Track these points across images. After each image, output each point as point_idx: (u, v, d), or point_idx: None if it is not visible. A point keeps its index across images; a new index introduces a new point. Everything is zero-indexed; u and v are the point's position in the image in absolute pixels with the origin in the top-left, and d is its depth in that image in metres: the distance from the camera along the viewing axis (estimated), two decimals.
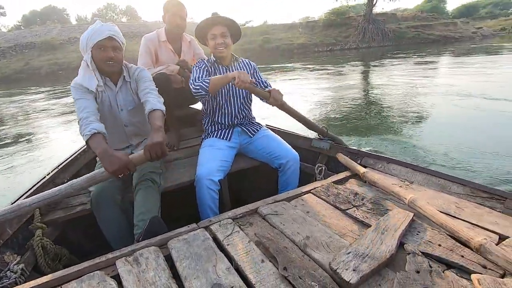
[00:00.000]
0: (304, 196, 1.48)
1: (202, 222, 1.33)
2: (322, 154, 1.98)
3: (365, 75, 10.50)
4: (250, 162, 1.95)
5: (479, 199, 1.30)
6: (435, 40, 25.15)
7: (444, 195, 1.36)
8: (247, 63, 1.99)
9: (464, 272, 0.92)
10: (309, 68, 13.44)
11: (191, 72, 2.31)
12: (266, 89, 1.81)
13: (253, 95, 1.92)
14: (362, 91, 7.40)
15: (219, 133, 1.91)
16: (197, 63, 1.92)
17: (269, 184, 1.92)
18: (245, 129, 1.94)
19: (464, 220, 1.17)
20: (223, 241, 1.17)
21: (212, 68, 1.89)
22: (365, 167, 1.67)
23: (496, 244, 1.01)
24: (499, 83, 6.59)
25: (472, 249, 0.98)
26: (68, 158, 2.02)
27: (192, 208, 1.69)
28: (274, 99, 1.73)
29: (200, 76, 1.81)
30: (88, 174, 1.33)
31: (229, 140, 1.88)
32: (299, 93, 7.58)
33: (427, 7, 46.28)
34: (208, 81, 1.72)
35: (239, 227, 1.27)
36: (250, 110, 2.03)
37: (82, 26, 28.25)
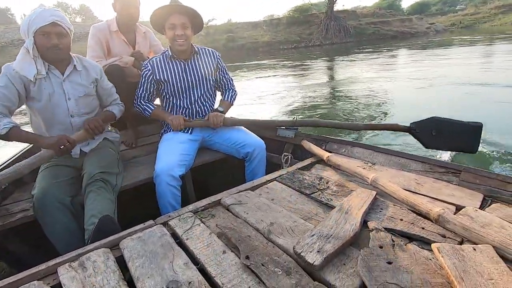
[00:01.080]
0: (269, 184, 1.46)
1: (160, 218, 1.24)
2: (288, 143, 1.98)
3: (331, 70, 10.81)
4: (215, 155, 1.90)
5: (437, 174, 1.34)
6: (393, 36, 26.53)
7: (404, 173, 1.40)
8: (210, 53, 1.88)
9: (425, 243, 0.93)
10: (276, 65, 13.57)
11: None
12: (207, 116, 1.82)
13: (214, 86, 1.89)
14: (328, 84, 7.58)
15: None
16: (143, 66, 1.80)
17: (236, 176, 1.89)
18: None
19: (424, 195, 1.20)
20: (182, 235, 1.09)
21: (170, 64, 1.78)
22: (330, 152, 1.69)
23: (454, 214, 1.04)
24: (455, 72, 7.07)
25: (431, 221, 0.99)
26: (7, 161, 1.82)
27: (153, 206, 1.60)
28: (213, 123, 1.77)
29: (145, 95, 1.83)
30: (28, 158, 1.23)
31: (190, 132, 1.81)
32: (265, 89, 7.60)
33: (384, 4, 48.78)
34: (151, 110, 1.82)
35: (201, 220, 1.21)
36: (213, 103, 1.96)
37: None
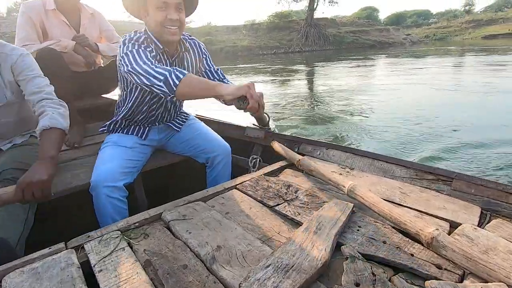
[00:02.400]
0: (226, 193, 1.21)
1: (76, 240, 0.95)
2: (257, 144, 1.78)
3: (310, 76, 10.77)
4: (172, 158, 1.63)
5: (425, 182, 1.14)
6: (372, 45, 27.33)
7: (387, 180, 1.21)
8: (198, 47, 1.48)
9: (416, 276, 0.70)
10: (256, 69, 13.43)
11: (96, 51, 1.91)
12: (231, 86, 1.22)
13: None
14: (307, 89, 7.49)
15: (132, 128, 1.49)
16: (128, 37, 1.26)
17: (198, 183, 1.65)
18: (170, 124, 1.58)
19: (411, 208, 0.99)
20: (94, 266, 0.81)
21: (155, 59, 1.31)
22: (303, 155, 1.50)
23: (448, 234, 0.83)
24: (433, 80, 7.18)
25: (423, 244, 0.78)
26: None
27: (93, 221, 1.29)
28: (258, 105, 1.17)
29: (147, 60, 1.19)
30: None
31: (144, 138, 1.50)
32: None
33: (363, 14, 50.59)
34: (182, 75, 1.12)
35: (128, 242, 0.93)
36: (182, 106, 1.67)
37: None
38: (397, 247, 0.77)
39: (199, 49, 1.49)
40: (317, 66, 13.26)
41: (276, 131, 1.78)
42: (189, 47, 1.44)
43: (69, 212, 1.54)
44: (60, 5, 1.85)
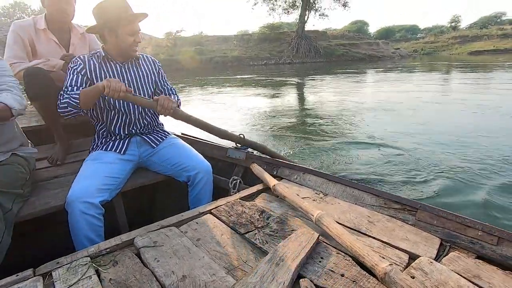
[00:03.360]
0: (201, 218, 1.24)
1: (45, 266, 0.96)
2: (238, 166, 1.82)
3: (299, 89, 10.94)
4: (153, 177, 1.66)
5: (392, 211, 1.20)
6: (361, 58, 27.98)
7: (357, 208, 1.27)
8: (150, 60, 1.72)
9: None
10: (244, 81, 13.54)
11: None
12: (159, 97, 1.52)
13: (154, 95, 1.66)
14: (293, 103, 7.59)
15: (110, 144, 1.58)
16: (71, 62, 1.52)
17: (179, 202, 1.69)
18: (146, 138, 1.65)
19: (375, 238, 1.04)
20: None
21: (103, 65, 1.55)
22: (281, 178, 1.57)
23: (406, 267, 0.87)
24: (418, 98, 7.39)
25: (377, 278, 0.82)
26: None
27: (68, 241, 1.30)
28: (162, 107, 1.47)
29: (74, 84, 1.46)
30: None
31: (123, 153, 1.57)
32: (224, 102, 7.44)
33: (353, 28, 51.90)
34: (77, 95, 1.39)
35: (97, 269, 0.95)
36: (156, 117, 1.74)
37: None
38: (354, 281, 0.82)
39: (153, 63, 1.71)
40: (306, 79, 13.48)
41: (255, 153, 1.84)
42: (142, 59, 1.67)
43: (44, 233, 1.53)
44: (51, 25, 1.90)
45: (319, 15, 30.56)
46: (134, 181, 1.58)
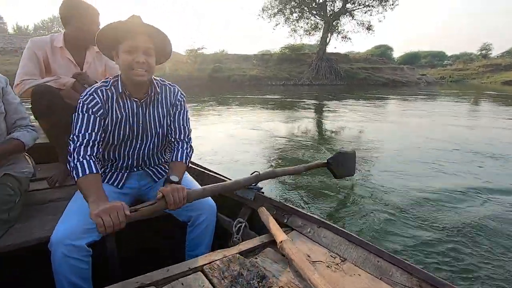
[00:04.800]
0: (188, 277, 1.04)
1: None
2: (245, 206, 1.66)
3: (317, 113, 9.93)
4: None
5: None
6: (384, 83, 26.84)
7: (382, 285, 1.02)
8: (172, 91, 1.43)
9: None
10: (260, 100, 12.73)
11: None
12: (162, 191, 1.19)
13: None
14: (310, 130, 6.57)
15: (107, 176, 1.43)
16: (86, 97, 1.26)
17: (177, 243, 1.51)
18: (149, 171, 1.50)
19: None
20: None
21: (121, 102, 1.32)
22: (291, 229, 1.39)
23: None
24: (457, 133, 6.20)
25: None
26: None
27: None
28: (173, 204, 1.17)
29: (91, 139, 1.23)
30: None
31: (121, 186, 1.43)
32: (237, 122, 6.54)
33: (376, 52, 51.08)
34: (87, 171, 1.15)
35: None
36: (164, 151, 1.56)
37: (18, 37, 25.82)
38: None
39: (173, 94, 1.43)
40: (325, 102, 12.50)
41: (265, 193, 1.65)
42: (162, 91, 1.41)
43: (26, 269, 1.41)
44: (70, 43, 1.94)
45: (342, 37, 29.88)
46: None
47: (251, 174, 1.61)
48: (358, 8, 28.20)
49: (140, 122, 1.36)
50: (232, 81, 23.38)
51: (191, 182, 1.49)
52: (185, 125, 1.45)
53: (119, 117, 1.31)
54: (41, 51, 1.87)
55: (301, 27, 30.16)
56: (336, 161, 2.53)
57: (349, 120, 7.71)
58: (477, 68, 40.07)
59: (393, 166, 3.86)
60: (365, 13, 28.38)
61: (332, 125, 7.29)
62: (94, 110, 1.24)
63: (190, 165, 1.78)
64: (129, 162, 1.42)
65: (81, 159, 1.16)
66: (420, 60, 59.80)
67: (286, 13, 29.17)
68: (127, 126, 1.33)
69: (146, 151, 1.42)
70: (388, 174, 3.54)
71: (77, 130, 1.22)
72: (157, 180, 1.49)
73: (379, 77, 28.04)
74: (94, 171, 1.14)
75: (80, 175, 1.13)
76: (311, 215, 1.40)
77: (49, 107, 1.67)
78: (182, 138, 1.43)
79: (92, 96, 1.26)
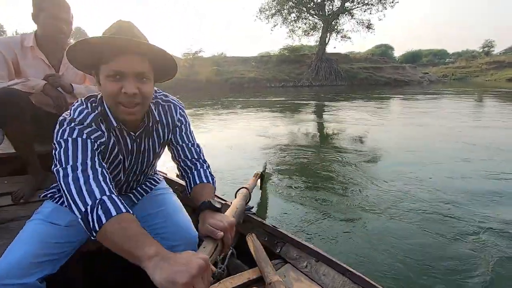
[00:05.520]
0: None
1: None
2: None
3: (316, 117, 9.42)
4: None
5: None
6: (386, 83, 26.32)
7: None
8: (172, 110, 1.15)
9: None
10: (258, 103, 12.26)
11: (70, 93, 1.81)
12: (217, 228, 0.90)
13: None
14: (307, 137, 6.06)
15: None
16: (70, 115, 0.96)
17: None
18: (129, 193, 1.26)
19: None
20: None
21: (113, 135, 1.03)
22: (284, 261, 1.21)
23: None
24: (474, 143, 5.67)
25: None
26: None
27: None
28: (228, 245, 0.92)
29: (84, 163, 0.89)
30: None
31: None
32: (232, 127, 6.05)
33: (377, 51, 50.62)
34: (105, 218, 0.78)
35: None
36: (153, 168, 1.33)
37: None
38: None
39: (174, 113, 1.16)
40: (325, 104, 11.99)
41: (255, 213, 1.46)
42: (161, 114, 1.13)
43: None
44: (41, 42, 1.79)
45: (341, 37, 29.41)
46: (97, 243, 0.99)
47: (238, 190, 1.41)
48: (357, 7, 27.76)
49: (137, 154, 1.12)
50: (231, 84, 22.96)
51: (172, 201, 1.28)
52: (193, 143, 1.22)
53: (115, 149, 1.05)
54: (9, 51, 1.73)
55: (299, 27, 29.74)
56: None
57: (368, 124, 7.18)
58: (480, 66, 39.48)
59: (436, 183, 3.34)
60: (364, 11, 27.95)
61: (358, 132, 6.77)
62: (86, 132, 0.96)
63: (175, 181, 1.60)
64: (123, 185, 1.21)
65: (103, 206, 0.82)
66: (421, 58, 59.27)
67: (284, 14, 28.75)
68: (124, 158, 1.09)
69: (138, 172, 1.20)
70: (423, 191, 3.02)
71: (71, 162, 0.89)
72: (137, 201, 1.26)
73: (380, 77, 27.54)
74: (124, 210, 0.81)
75: (107, 217, 0.79)
76: (308, 245, 1.22)
77: (13, 113, 1.53)
78: (196, 157, 1.19)
79: (85, 111, 0.99)
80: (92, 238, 0.81)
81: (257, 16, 29.50)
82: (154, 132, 1.14)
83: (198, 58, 27.44)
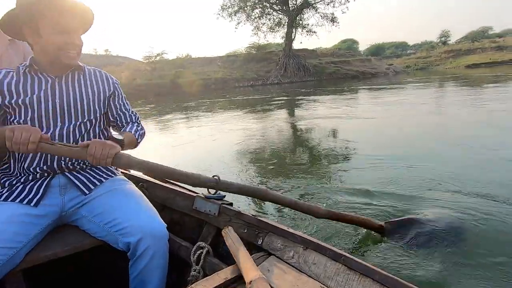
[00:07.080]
0: None
1: None
2: (208, 224, 1.31)
3: (285, 114, 9.36)
4: (79, 242, 1.14)
5: None
6: (354, 76, 27.06)
7: None
8: (103, 76, 1.29)
9: None
10: (223, 105, 12.02)
11: None
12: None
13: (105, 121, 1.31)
14: (283, 129, 5.92)
15: (17, 190, 1.09)
16: None
17: (118, 281, 1.24)
18: (75, 180, 1.16)
19: None
20: None
21: (29, 80, 1.13)
22: (268, 253, 1.09)
23: None
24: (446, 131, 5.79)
25: None
26: None
27: None
28: (93, 157, 1.00)
29: None
30: None
31: (35, 204, 1.08)
32: (197, 131, 5.78)
33: (343, 46, 52.22)
34: None
35: None
36: None
37: None
38: None
39: (105, 79, 1.29)
40: (295, 100, 12.01)
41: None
42: (88, 73, 1.26)
43: None
44: None
45: (307, 31, 29.81)
46: (45, 250, 1.07)
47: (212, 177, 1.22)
48: (320, 1, 28.28)
49: (62, 99, 1.16)
50: (196, 86, 22.50)
51: (129, 192, 1.22)
52: (128, 111, 1.34)
53: (33, 94, 1.11)
54: None
55: (264, 23, 29.76)
56: (400, 230, 1.78)
57: (341, 117, 7.16)
58: (440, 55, 41.85)
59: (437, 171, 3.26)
60: (327, 4, 28.47)
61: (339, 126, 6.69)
62: None
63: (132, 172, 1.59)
64: (47, 162, 1.13)
65: None
66: (385, 51, 61.92)
67: (247, 10, 28.64)
68: (47, 104, 1.13)
69: (77, 133, 1.18)
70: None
71: None
72: (88, 192, 1.17)
73: (348, 70, 28.28)
74: None
75: None
76: (294, 232, 1.11)
77: None
78: (132, 120, 1.33)
79: None
80: None
81: (219, 14, 29.05)
82: (78, 82, 1.25)
83: (161, 61, 26.71)
